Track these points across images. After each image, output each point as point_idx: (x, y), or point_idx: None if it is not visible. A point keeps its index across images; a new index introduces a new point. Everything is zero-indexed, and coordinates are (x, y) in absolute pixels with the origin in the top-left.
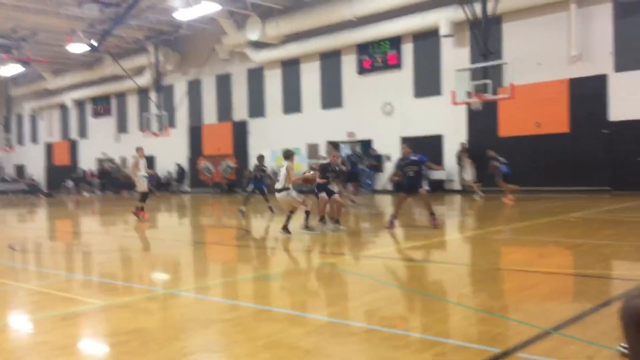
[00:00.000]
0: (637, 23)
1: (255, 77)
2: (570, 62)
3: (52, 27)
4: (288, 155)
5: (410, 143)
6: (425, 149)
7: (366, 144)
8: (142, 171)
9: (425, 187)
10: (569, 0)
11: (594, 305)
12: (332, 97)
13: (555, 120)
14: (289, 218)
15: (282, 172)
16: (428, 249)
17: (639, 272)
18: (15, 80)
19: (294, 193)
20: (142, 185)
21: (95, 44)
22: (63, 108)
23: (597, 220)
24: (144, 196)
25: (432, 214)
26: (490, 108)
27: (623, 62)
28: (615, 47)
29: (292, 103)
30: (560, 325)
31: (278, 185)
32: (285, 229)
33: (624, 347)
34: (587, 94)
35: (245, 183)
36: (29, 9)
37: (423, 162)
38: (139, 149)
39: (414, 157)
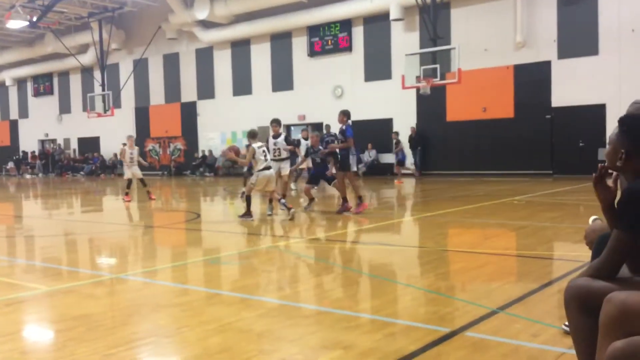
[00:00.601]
0: (580, 11)
1: (204, 58)
2: (515, 48)
3: None
4: (254, 134)
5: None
6: (375, 132)
7: (319, 127)
8: (128, 161)
9: (354, 168)
10: None
11: (537, 285)
12: (282, 79)
13: (501, 105)
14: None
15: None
16: (377, 231)
17: (580, 252)
18: None
19: (254, 177)
20: (126, 173)
21: (35, 20)
22: (2, 87)
23: (540, 203)
24: (128, 183)
25: (344, 198)
26: (438, 93)
27: (565, 50)
28: (559, 34)
29: (242, 85)
30: (506, 304)
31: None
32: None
33: (567, 326)
34: (532, 80)
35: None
36: None
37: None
38: (129, 137)
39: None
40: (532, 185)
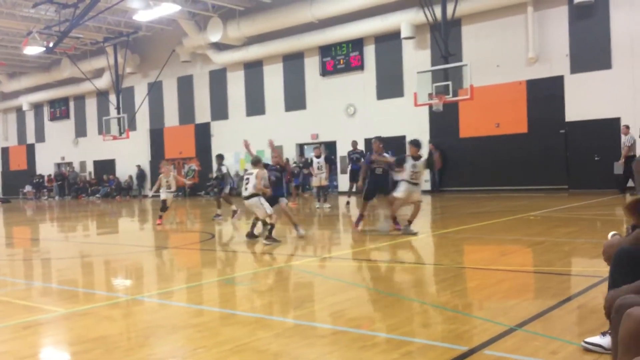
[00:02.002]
0: (592, 25)
1: (218, 79)
2: (528, 64)
3: (7, 29)
4: (257, 161)
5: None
6: (388, 150)
7: (330, 146)
8: (165, 189)
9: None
10: (526, 3)
11: (556, 301)
12: (295, 99)
13: (514, 121)
14: (254, 225)
15: (252, 179)
16: (392, 249)
17: (598, 268)
18: None
19: (264, 202)
20: (162, 194)
21: (52, 45)
22: (19, 112)
23: (556, 218)
24: (163, 205)
25: (294, 224)
26: (451, 109)
27: (578, 64)
28: (571, 49)
29: (255, 105)
30: (524, 322)
31: (246, 193)
32: (251, 235)
33: (587, 343)
34: (545, 95)
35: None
36: None
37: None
38: (164, 164)
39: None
40: (547, 200)
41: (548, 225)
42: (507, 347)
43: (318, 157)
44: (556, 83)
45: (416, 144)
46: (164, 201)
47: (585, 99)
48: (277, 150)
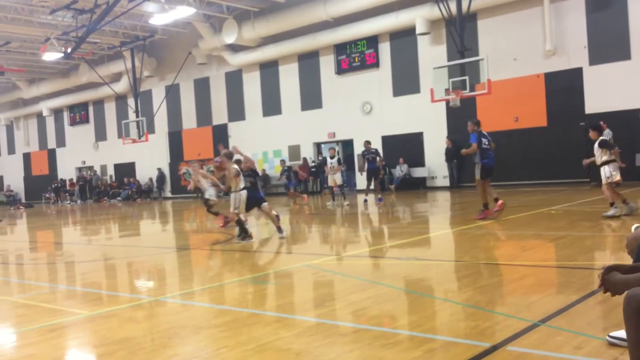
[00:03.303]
0: (610, 16)
1: (234, 81)
2: (545, 56)
3: (26, 36)
4: (230, 156)
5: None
6: (406, 147)
7: (347, 144)
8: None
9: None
10: None
11: (579, 296)
12: (311, 98)
13: (533, 114)
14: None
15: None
16: (412, 246)
17: (622, 261)
18: None
19: (233, 198)
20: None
21: (70, 51)
22: (40, 117)
23: (578, 212)
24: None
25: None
26: (469, 104)
27: (597, 56)
28: (589, 40)
29: (271, 105)
30: (547, 317)
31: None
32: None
33: (612, 337)
34: (563, 87)
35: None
36: (1, 18)
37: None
38: (193, 166)
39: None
40: (569, 194)
41: (570, 220)
42: (531, 342)
43: (332, 157)
44: (575, 75)
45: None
46: (206, 200)
47: (605, 91)
48: (246, 155)
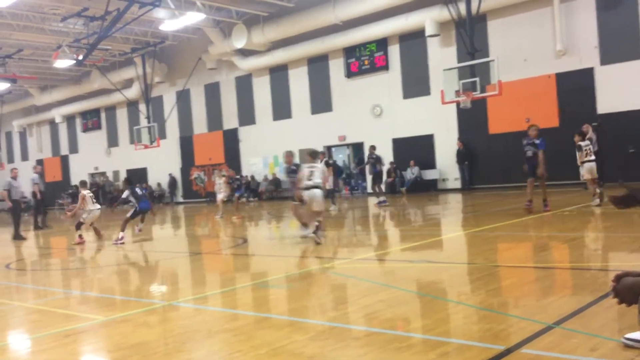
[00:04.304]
0: (620, 15)
1: (244, 85)
2: (556, 56)
3: (38, 43)
4: (316, 154)
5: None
6: (417, 149)
7: (358, 147)
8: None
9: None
10: None
11: (594, 297)
12: (321, 101)
13: (545, 115)
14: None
15: (317, 171)
16: (424, 248)
17: (637, 262)
18: (2, 98)
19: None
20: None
21: (82, 58)
22: (52, 124)
23: (592, 213)
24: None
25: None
26: (479, 106)
27: (608, 55)
28: (600, 40)
29: (281, 109)
30: (562, 319)
31: (310, 183)
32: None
33: (627, 339)
34: (575, 87)
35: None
36: (13, 26)
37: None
38: (220, 171)
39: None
40: (581, 195)
41: (583, 220)
42: (545, 345)
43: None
44: (586, 75)
45: None
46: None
47: (617, 91)
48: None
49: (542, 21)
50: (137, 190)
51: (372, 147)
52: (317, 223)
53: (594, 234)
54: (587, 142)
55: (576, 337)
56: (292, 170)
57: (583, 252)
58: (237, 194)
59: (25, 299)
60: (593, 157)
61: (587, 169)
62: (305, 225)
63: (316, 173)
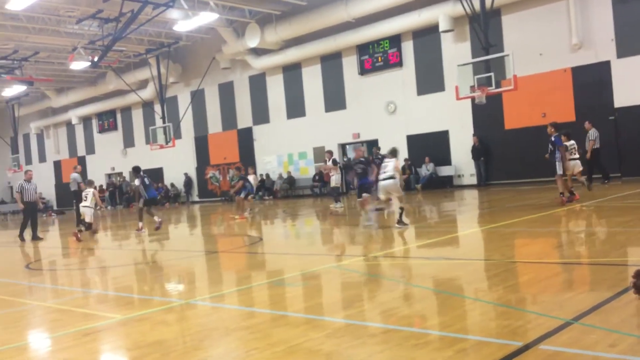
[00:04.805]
0: (637, 7)
1: (258, 84)
2: (572, 50)
3: (53, 46)
4: (395, 152)
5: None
6: (432, 145)
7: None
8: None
9: None
10: None
11: (612, 293)
12: (335, 99)
13: (561, 109)
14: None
15: (391, 165)
16: (441, 245)
17: None
18: (19, 100)
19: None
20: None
21: (97, 60)
22: (69, 125)
23: (609, 207)
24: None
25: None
26: (495, 101)
27: (625, 48)
28: (616, 33)
29: (295, 107)
30: (580, 315)
31: (385, 175)
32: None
33: None
34: (591, 81)
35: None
36: (29, 29)
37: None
38: (250, 168)
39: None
40: (599, 189)
41: (601, 215)
42: (564, 341)
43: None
44: (603, 69)
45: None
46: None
47: (634, 84)
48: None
49: (557, 14)
50: (145, 180)
51: (377, 149)
52: (400, 210)
53: (611, 229)
54: (573, 142)
55: (595, 333)
56: (362, 162)
57: (601, 248)
58: (242, 193)
59: (44, 298)
60: (577, 156)
61: (572, 166)
62: (378, 209)
63: (390, 166)
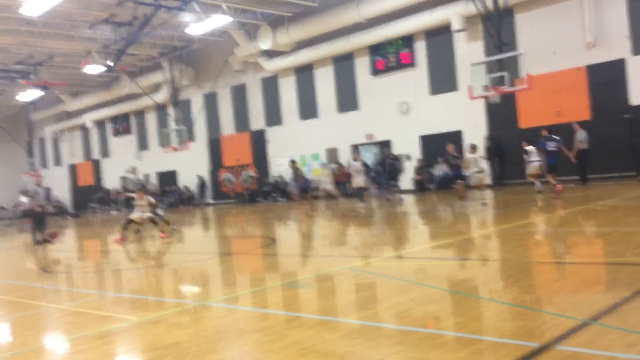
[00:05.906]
0: None
1: (270, 86)
2: (586, 48)
3: (68, 50)
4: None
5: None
6: (445, 146)
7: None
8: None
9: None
10: None
11: (629, 293)
12: (347, 100)
13: (576, 108)
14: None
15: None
16: (455, 246)
17: None
18: (35, 104)
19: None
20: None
21: (111, 64)
22: (84, 129)
23: (625, 207)
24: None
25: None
26: (509, 100)
27: None
28: (631, 30)
29: (308, 109)
30: (597, 315)
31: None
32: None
33: None
34: (606, 79)
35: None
36: (43, 34)
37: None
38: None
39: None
40: (615, 188)
41: (617, 215)
42: (580, 341)
43: (355, 160)
44: (617, 67)
45: None
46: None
47: None
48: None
49: (571, 12)
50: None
51: (387, 149)
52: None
53: (627, 228)
54: (532, 147)
55: (612, 333)
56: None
57: (617, 247)
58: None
59: (61, 300)
60: (538, 159)
61: (532, 168)
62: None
63: (478, 160)
